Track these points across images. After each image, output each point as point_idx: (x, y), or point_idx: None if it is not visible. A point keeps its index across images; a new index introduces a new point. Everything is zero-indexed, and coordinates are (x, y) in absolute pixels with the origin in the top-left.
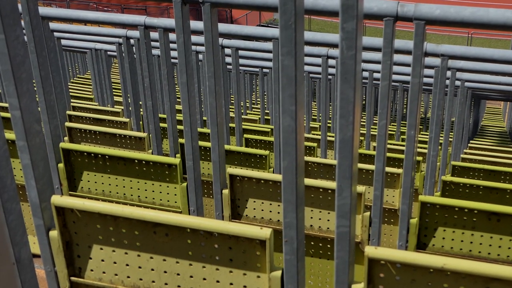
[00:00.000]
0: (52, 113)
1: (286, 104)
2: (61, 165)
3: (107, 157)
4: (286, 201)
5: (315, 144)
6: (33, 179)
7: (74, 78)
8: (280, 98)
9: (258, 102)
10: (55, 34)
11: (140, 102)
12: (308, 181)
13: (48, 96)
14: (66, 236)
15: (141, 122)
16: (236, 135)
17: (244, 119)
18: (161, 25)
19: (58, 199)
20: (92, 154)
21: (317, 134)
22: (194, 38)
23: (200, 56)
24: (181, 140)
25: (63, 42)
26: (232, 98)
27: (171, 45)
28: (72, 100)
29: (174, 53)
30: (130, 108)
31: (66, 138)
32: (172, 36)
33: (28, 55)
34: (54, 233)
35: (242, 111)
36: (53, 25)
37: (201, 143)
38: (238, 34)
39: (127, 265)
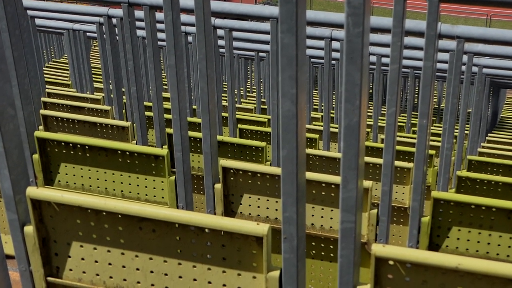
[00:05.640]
0: (26, 99)
1: (286, 86)
2: (36, 156)
3: (87, 147)
4: (285, 193)
5: (316, 136)
6: (6, 169)
7: (49, 62)
8: (279, 80)
9: (253, 90)
10: (29, 12)
11: (123, 89)
12: (309, 175)
13: (21, 80)
14: (42, 232)
15: (124, 110)
16: (230, 126)
17: (238, 108)
18: (147, 2)
19: (34, 191)
20: (71, 144)
21: (319, 125)
22: (184, 18)
23: (190, 38)
24: (168, 130)
25: (37, 21)
26: (225, 85)
27: (158, 25)
28: (47, 86)
29: (161, 35)
30: (111, 95)
31: (41, 127)
32: (160, 15)
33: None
34: (29, 229)
35: (236, 99)
36: (26, 1)
37: (191, 133)
38: (233, 13)
39: (109, 264)
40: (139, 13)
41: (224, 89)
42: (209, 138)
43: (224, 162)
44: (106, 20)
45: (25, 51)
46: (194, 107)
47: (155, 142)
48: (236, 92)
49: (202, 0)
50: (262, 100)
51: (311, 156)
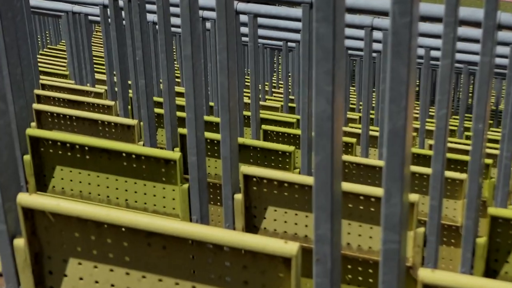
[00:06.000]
0: (17, 91)
1: (320, 83)
2: (27, 157)
3: (86, 148)
4: (318, 207)
5: (353, 140)
6: None
7: (44, 49)
8: (313, 75)
9: (280, 85)
10: None
11: (129, 82)
12: (346, 186)
13: (13, 70)
14: (35, 246)
15: (129, 107)
16: (252, 126)
17: (263, 107)
18: None
19: (26, 199)
20: (68, 144)
21: (356, 128)
22: (202, 1)
23: (208, 25)
24: (181, 130)
25: (32, 2)
26: (247, 80)
27: (172, 9)
28: (41, 77)
29: (174, 20)
30: (115, 88)
31: (33, 124)
32: None
33: None
34: (19, 242)
35: (260, 96)
36: None
37: (207, 134)
38: None
39: (112, 285)
40: None
41: (247, 84)
42: (229, 141)
43: (245, 168)
44: (111, 1)
45: (17, 36)
46: (211, 104)
47: (166, 144)
48: (260, 88)
49: None
50: (290, 97)
51: (347, 164)
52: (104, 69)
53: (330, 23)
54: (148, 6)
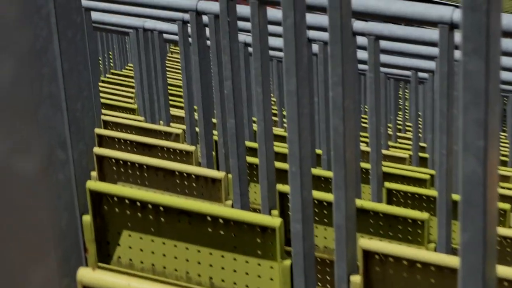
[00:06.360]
0: (76, 132)
1: (469, 136)
2: (87, 218)
3: (161, 208)
4: None
5: (507, 207)
6: (51, 241)
7: (107, 75)
8: (459, 125)
9: (408, 128)
10: (83, 2)
11: (214, 120)
12: (502, 271)
13: (72, 104)
14: None
15: (213, 152)
16: (372, 184)
17: (385, 157)
18: None
19: (89, 276)
20: (139, 203)
21: (508, 188)
22: (309, 18)
23: (315, 48)
24: (281, 187)
25: (94, 15)
26: (365, 120)
27: (270, 28)
28: (103, 111)
29: (272, 41)
30: (196, 128)
31: (94, 174)
32: (273, 12)
33: (53, 38)
34: None
35: (382, 142)
36: None
37: (315, 193)
38: (382, 15)
39: None
40: (243, 9)
41: (364, 125)
42: (344, 204)
43: (365, 242)
44: (194, 16)
45: (77, 60)
46: (318, 151)
47: (261, 205)
48: (382, 131)
49: None
50: (421, 144)
51: (499, 239)
52: (181, 103)
53: (482, 58)
54: (240, 24)
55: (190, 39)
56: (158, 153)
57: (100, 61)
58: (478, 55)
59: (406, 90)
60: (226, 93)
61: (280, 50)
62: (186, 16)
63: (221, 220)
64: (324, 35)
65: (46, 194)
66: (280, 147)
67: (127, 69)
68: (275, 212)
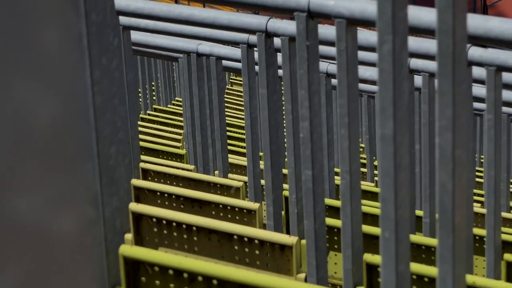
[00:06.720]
0: (109, 185)
1: None
2: None
3: (215, 282)
4: None
5: None
6: None
7: (148, 112)
8: None
9: None
10: (121, 19)
11: (285, 171)
12: None
13: (104, 149)
14: None
15: (283, 212)
16: (488, 255)
17: (506, 220)
18: (345, 13)
19: None
20: (186, 275)
21: None
22: (413, 43)
23: (417, 80)
24: (370, 259)
25: (134, 36)
26: (480, 172)
27: (361, 54)
28: (142, 158)
29: (364, 71)
30: (262, 181)
31: (129, 236)
32: (365, 34)
33: (84, 65)
34: None
35: (502, 202)
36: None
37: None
38: (506, 40)
39: None
40: (326, 30)
41: (478, 179)
42: (452, 281)
43: None
44: (262, 39)
45: (112, 93)
46: (418, 213)
47: (343, 281)
48: (502, 188)
49: (452, 14)
50: None
51: None
52: (243, 148)
53: None
54: (322, 49)
55: (256, 67)
56: (212, 212)
57: (140, 94)
58: None
59: None
60: (301, 136)
61: (373, 83)
62: (253, 38)
63: None
64: (431, 65)
65: (77, 260)
66: (370, 207)
67: (174, 104)
68: None
